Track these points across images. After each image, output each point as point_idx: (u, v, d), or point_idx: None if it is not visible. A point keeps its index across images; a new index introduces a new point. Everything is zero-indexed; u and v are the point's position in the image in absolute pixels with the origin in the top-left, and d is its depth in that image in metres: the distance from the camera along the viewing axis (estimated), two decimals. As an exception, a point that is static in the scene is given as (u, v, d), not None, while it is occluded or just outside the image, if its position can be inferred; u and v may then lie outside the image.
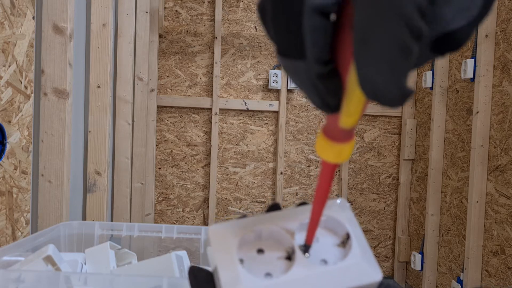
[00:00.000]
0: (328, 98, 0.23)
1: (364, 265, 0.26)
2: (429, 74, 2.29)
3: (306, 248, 0.27)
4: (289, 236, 0.27)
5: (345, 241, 0.28)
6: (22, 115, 1.01)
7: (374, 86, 0.20)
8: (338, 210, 0.29)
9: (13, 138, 0.96)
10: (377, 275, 0.26)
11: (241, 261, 0.27)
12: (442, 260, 2.19)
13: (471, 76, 1.89)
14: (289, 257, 0.27)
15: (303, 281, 0.25)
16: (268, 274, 0.26)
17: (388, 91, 0.20)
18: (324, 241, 0.28)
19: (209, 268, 0.28)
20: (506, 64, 1.73)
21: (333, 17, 0.21)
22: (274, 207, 0.30)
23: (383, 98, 0.20)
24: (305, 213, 0.28)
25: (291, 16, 0.20)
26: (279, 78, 2.51)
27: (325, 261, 0.27)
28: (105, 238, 1.00)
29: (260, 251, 0.28)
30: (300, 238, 0.28)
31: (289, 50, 0.22)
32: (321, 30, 0.20)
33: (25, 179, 1.03)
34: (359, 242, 0.27)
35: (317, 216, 0.26)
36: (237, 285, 0.25)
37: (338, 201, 0.29)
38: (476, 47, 1.86)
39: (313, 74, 0.22)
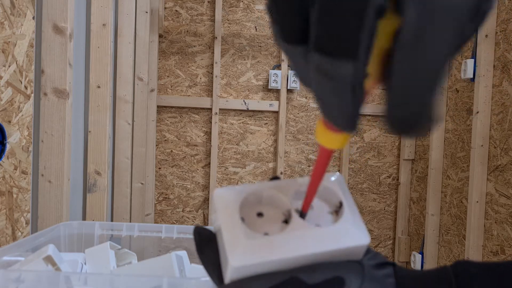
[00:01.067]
0: (355, 110, 0.21)
1: (353, 229, 0.28)
2: (429, 74, 2.29)
3: (301, 215, 0.29)
4: (287, 200, 0.30)
5: (338, 210, 0.30)
6: (22, 115, 1.01)
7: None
8: (333, 181, 0.31)
9: (13, 138, 0.96)
10: (365, 239, 0.28)
11: (242, 219, 0.29)
12: (442, 260, 2.19)
13: (471, 76, 1.89)
14: (286, 221, 0.29)
15: (297, 239, 0.27)
16: (266, 234, 0.28)
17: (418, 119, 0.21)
18: (318, 209, 0.31)
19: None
20: (506, 64, 1.73)
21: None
22: (275, 178, 0.32)
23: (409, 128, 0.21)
24: (304, 182, 0.31)
25: (353, 12, 0.18)
26: (279, 78, 2.51)
27: (318, 226, 0.29)
28: (105, 238, 1.00)
29: (260, 214, 0.30)
30: (297, 204, 0.30)
31: (338, 48, 0.19)
32: (374, 33, 0.19)
33: (25, 179, 1.03)
34: (351, 210, 0.30)
35: (313, 192, 0.29)
36: (238, 239, 0.27)
37: (334, 176, 0.32)
38: (476, 47, 1.86)
39: (361, 78, 0.19)
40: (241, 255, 0.26)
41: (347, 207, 0.30)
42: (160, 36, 2.49)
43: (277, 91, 2.57)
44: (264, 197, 0.30)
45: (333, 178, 0.31)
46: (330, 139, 0.25)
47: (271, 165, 2.60)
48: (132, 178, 2.03)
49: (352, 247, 0.28)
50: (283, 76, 2.52)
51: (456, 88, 2.10)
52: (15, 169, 0.98)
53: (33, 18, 1.03)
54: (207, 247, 0.29)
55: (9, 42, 0.93)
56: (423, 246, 2.30)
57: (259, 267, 0.26)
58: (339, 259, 0.28)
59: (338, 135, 0.25)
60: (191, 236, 1.00)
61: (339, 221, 0.29)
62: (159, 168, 2.55)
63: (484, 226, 1.82)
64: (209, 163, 2.55)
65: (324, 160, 0.27)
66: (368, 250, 0.29)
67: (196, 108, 2.54)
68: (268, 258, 0.26)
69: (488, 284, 0.27)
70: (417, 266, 2.31)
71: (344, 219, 0.29)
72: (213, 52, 2.53)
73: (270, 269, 0.27)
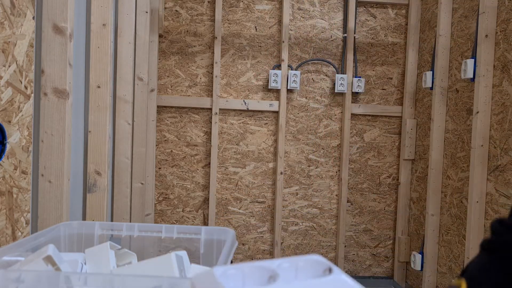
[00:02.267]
0: None
1: (349, 280, 0.26)
2: (429, 74, 2.29)
3: None
4: (270, 264, 0.28)
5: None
6: (22, 115, 1.01)
7: None
8: (317, 256, 0.30)
9: (13, 138, 0.96)
10: None
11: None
12: (442, 260, 2.19)
13: (471, 76, 1.89)
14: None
15: None
16: None
17: None
18: (305, 274, 0.29)
19: None
20: (506, 64, 1.73)
21: None
22: None
23: None
24: (281, 262, 0.29)
25: None
26: (279, 78, 2.51)
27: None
28: (105, 238, 1.00)
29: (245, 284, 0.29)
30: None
31: None
32: None
33: (25, 179, 1.03)
34: (342, 271, 0.28)
35: None
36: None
37: (315, 255, 0.31)
38: (476, 47, 1.86)
39: None
40: None
41: (337, 268, 0.28)
42: (160, 36, 2.49)
43: (277, 91, 2.57)
44: (245, 269, 0.29)
45: (315, 256, 0.30)
46: None
47: (271, 165, 2.60)
48: (132, 178, 2.03)
49: None
50: (283, 76, 2.52)
51: (456, 88, 2.10)
52: (15, 169, 0.98)
53: (33, 18, 1.03)
54: None
55: (9, 42, 0.93)
56: (423, 246, 2.30)
57: None
58: None
59: None
60: (191, 236, 1.00)
61: (332, 274, 0.27)
62: (159, 168, 2.55)
63: (484, 226, 1.82)
64: (209, 163, 2.55)
65: None
66: None
67: (196, 108, 2.54)
68: None
69: None
70: (417, 266, 2.31)
71: (338, 273, 0.27)
72: (213, 52, 2.53)
73: None
